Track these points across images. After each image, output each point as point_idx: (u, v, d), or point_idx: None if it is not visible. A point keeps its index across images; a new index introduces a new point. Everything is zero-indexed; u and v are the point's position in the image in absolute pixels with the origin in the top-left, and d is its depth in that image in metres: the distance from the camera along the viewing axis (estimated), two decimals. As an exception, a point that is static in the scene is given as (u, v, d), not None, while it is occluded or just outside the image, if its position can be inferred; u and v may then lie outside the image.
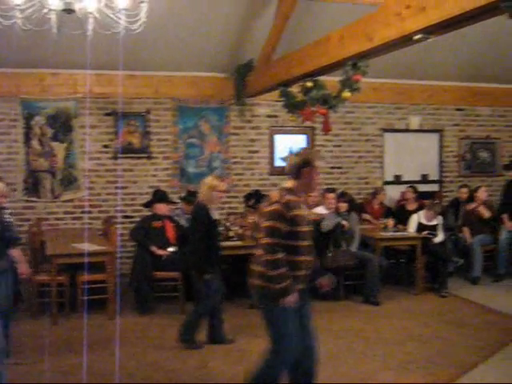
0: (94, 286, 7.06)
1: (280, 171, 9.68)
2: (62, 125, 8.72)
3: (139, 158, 9.05)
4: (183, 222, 7.83)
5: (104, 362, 5.49)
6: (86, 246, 7.14)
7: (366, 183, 10.14)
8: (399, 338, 6.28)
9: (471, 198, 9.38)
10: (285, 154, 9.62)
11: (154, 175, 9.12)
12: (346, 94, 6.29)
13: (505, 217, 9.09)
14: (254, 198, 8.51)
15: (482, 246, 8.87)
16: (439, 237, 8.35)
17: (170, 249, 7.40)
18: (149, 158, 9.08)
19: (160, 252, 7.30)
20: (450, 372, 5.26)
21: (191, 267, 6.11)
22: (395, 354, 5.77)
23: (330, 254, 7.58)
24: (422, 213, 8.48)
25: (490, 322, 6.81)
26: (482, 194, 9.23)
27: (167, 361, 5.58)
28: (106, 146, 8.93)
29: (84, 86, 8.66)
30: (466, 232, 9.03)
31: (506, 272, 8.96)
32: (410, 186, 9.36)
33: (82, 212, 8.83)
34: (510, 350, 5.89)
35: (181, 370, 5.33)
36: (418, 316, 7.12)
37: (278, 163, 9.68)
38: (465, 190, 9.68)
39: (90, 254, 7.00)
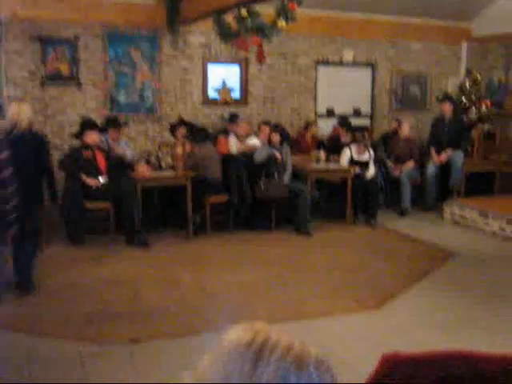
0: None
1: (213, 102, 9.58)
2: (-16, 50, 8.30)
3: (68, 85, 8.72)
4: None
5: (37, 297, 5.42)
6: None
7: (299, 115, 10.16)
8: (328, 266, 6.43)
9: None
10: (218, 84, 9.57)
11: (84, 104, 8.85)
12: (282, 23, 6.21)
13: (432, 151, 9.32)
14: (184, 128, 8.33)
15: (409, 179, 9.10)
16: (370, 171, 8.49)
17: (101, 179, 7.24)
18: (78, 86, 8.76)
19: (90, 181, 7.15)
20: (376, 298, 5.45)
21: None
22: (324, 281, 5.93)
23: (262, 186, 7.63)
24: (353, 147, 8.57)
25: (416, 252, 7.06)
26: (404, 129, 9.39)
27: (99, 291, 5.55)
28: (32, 73, 8.56)
29: (7, 8, 8.22)
30: (392, 165, 9.22)
31: (433, 204, 9.25)
32: (339, 121, 9.39)
33: (9, 141, 8.54)
34: (433, 277, 6.14)
35: (113, 300, 5.32)
36: (348, 246, 7.31)
37: (211, 94, 9.56)
38: (395, 123, 9.85)
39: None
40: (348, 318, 5.06)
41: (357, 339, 4.64)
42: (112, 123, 7.89)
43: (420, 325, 4.91)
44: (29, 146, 5.96)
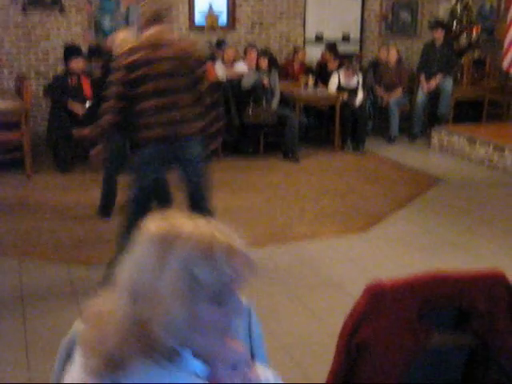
0: (8, 145, 6.89)
1: (200, 28, 9.40)
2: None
3: (50, 10, 8.50)
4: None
5: (25, 222, 5.44)
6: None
7: (288, 41, 9.97)
8: (316, 192, 6.48)
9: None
10: (205, 9, 9.37)
11: (67, 30, 8.65)
12: None
13: (422, 77, 9.24)
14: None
15: (398, 106, 9.05)
16: (359, 98, 8.43)
17: (88, 104, 7.15)
18: (61, 10, 8.54)
19: (76, 108, 7.06)
20: (364, 222, 5.53)
21: None
22: (312, 206, 5.98)
23: (250, 112, 7.58)
24: (341, 72, 8.46)
25: (404, 177, 7.10)
26: (391, 56, 9.27)
27: (88, 216, 5.57)
28: (13, -2, 8.33)
29: None
30: (380, 91, 9.16)
31: (421, 131, 9.24)
32: (327, 47, 9.25)
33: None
34: (420, 202, 6.22)
35: (102, 225, 5.35)
36: (335, 172, 7.33)
37: (198, 19, 9.36)
38: (384, 50, 9.70)
39: (3, 112, 6.76)
40: (336, 240, 5.13)
41: (345, 261, 4.72)
42: (94, 52, 7.73)
43: (405, 247, 5.00)
44: None
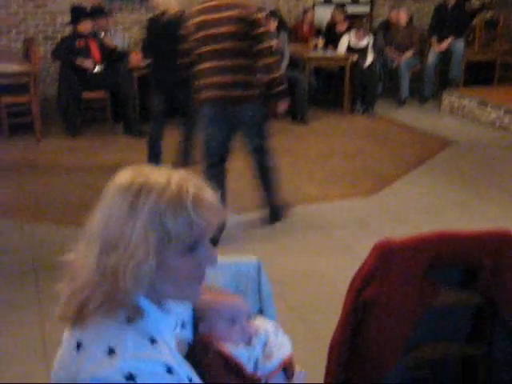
0: (18, 108, 6.89)
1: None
2: None
3: (58, -28, 8.42)
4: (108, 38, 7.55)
5: (35, 185, 5.47)
6: (6, 67, 6.84)
7: (297, 1, 9.81)
8: (325, 154, 6.46)
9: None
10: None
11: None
12: None
13: (434, 38, 9.12)
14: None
15: (409, 68, 8.95)
16: (368, 59, 8.34)
17: (97, 68, 7.10)
18: (68, -28, 8.45)
19: (86, 63, 6.97)
20: (373, 184, 5.54)
21: None
22: (321, 168, 5.99)
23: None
24: (352, 33, 8.36)
25: (414, 141, 7.06)
26: (402, 18, 9.13)
27: (97, 178, 5.59)
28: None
29: None
30: (391, 53, 9.04)
31: (432, 94, 9.15)
32: (338, 7, 9.12)
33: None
34: (429, 164, 6.20)
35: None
36: (345, 134, 7.31)
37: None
38: (394, 11, 9.56)
39: (11, 75, 6.75)
40: (345, 202, 5.15)
41: (353, 223, 4.74)
42: (97, 12, 7.64)
43: (414, 209, 5.01)
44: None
